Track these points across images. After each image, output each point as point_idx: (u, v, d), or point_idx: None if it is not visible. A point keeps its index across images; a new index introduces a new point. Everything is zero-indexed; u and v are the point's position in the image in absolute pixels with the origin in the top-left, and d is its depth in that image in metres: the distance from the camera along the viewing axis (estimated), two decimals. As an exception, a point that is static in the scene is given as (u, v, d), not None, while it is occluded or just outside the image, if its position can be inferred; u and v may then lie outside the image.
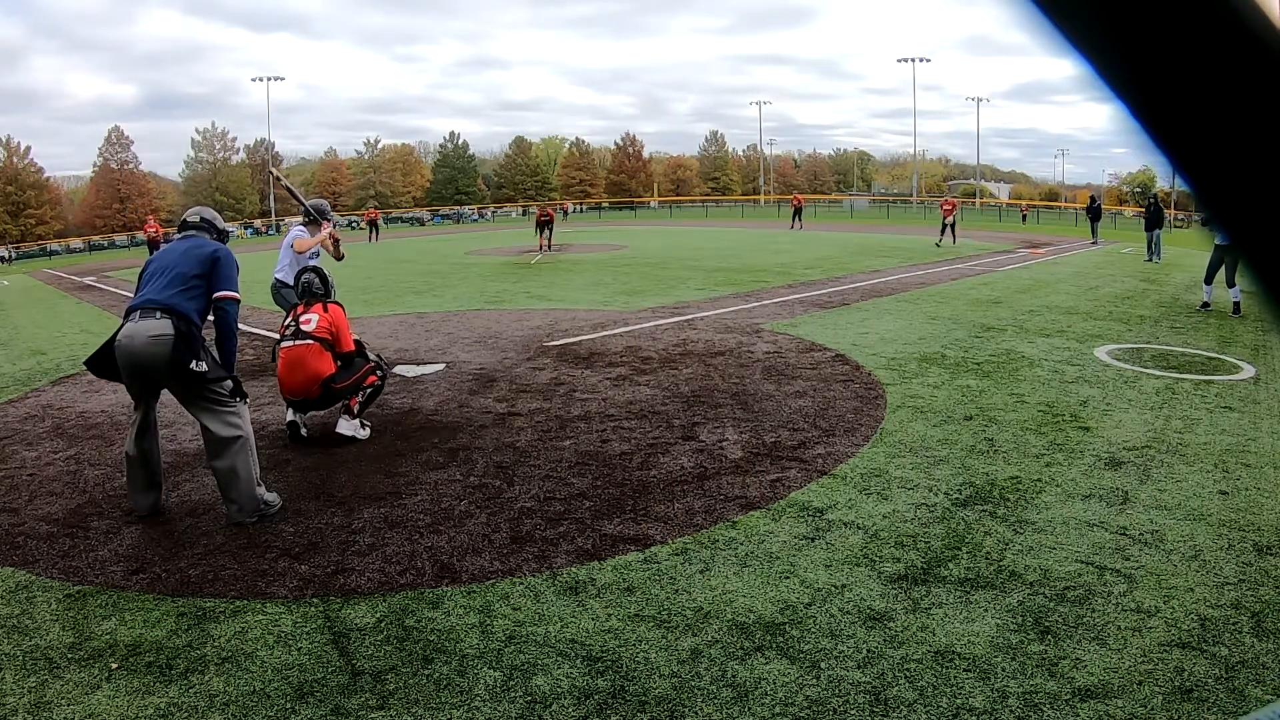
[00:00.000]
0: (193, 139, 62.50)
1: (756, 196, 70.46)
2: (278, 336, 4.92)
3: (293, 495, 3.98)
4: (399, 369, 6.85)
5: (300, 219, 6.71)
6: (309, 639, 2.69)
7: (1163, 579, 2.93)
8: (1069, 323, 8.57)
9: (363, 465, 4.42)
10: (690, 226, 37.60)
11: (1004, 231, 30.16)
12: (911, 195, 63.91)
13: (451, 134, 72.44)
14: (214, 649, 2.64)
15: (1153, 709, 2.20)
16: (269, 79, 54.83)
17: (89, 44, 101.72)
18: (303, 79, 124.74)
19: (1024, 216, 42.26)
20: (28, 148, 54.57)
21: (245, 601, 2.95)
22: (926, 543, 3.29)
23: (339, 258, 6.64)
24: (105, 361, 3.72)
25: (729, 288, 12.21)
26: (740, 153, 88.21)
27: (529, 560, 3.23)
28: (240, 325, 4.36)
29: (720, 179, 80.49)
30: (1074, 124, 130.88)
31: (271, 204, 56.57)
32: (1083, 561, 3.09)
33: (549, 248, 21.76)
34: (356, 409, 4.86)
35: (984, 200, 62.62)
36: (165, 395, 3.84)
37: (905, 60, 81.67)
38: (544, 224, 22.24)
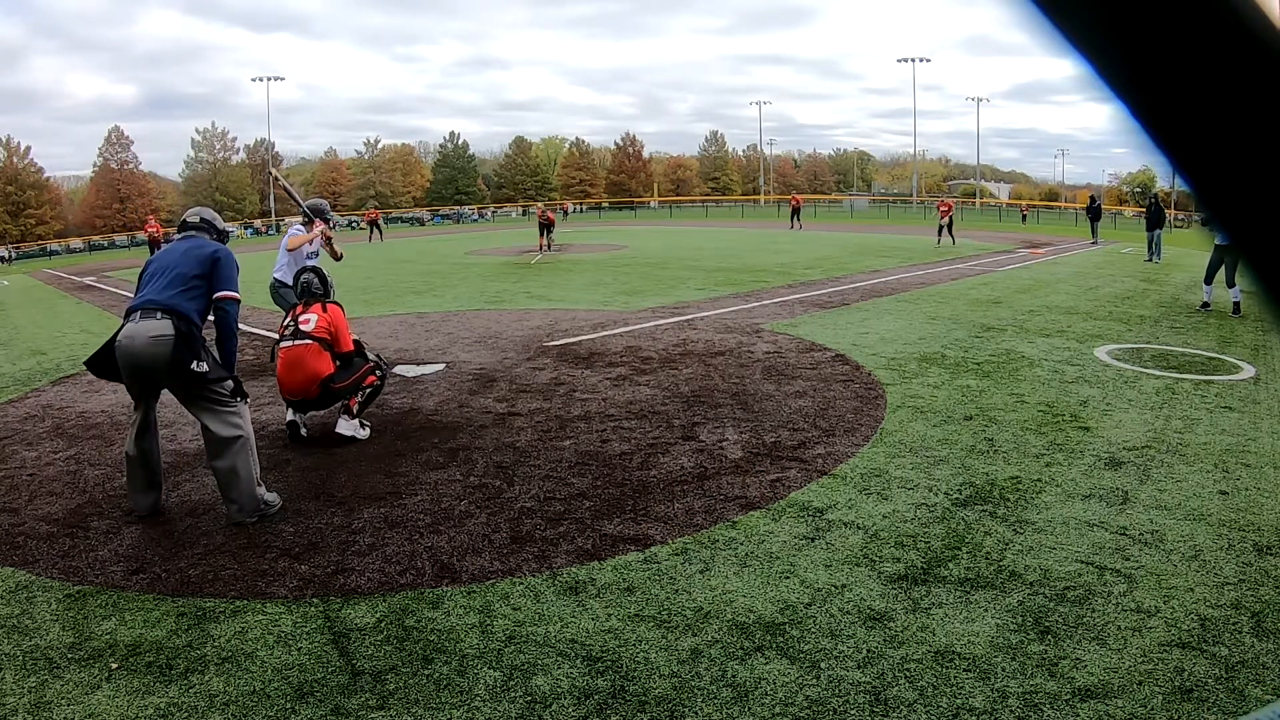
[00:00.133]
0: (193, 139, 62.55)
1: (756, 196, 70.46)
2: (277, 336, 4.92)
3: (293, 495, 3.98)
4: (399, 369, 6.85)
5: (299, 219, 6.73)
6: (309, 639, 2.69)
7: (1163, 579, 2.93)
8: (1069, 323, 8.57)
9: (363, 465, 4.42)
10: (690, 226, 37.60)
11: (1004, 231, 30.16)
12: (911, 195, 63.91)
13: (451, 134, 72.51)
14: (214, 649, 2.64)
15: (1153, 709, 2.20)
16: (269, 79, 54.83)
17: (89, 44, 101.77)
18: (303, 79, 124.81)
19: (1024, 216, 42.26)
20: (28, 148, 54.62)
21: (245, 601, 2.95)
22: (926, 543, 3.29)
23: (336, 257, 6.65)
24: (105, 362, 3.72)
25: (729, 288, 12.21)
26: (740, 153, 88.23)
27: (529, 560, 3.23)
28: (240, 325, 4.36)
29: (720, 179, 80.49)
30: (1074, 124, 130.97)
31: (271, 204, 56.58)
32: (1083, 561, 3.09)
33: (549, 248, 21.72)
34: (356, 409, 4.86)
35: (984, 200, 62.62)
36: (165, 395, 3.84)
37: (905, 60, 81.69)
38: (544, 226, 22.10)
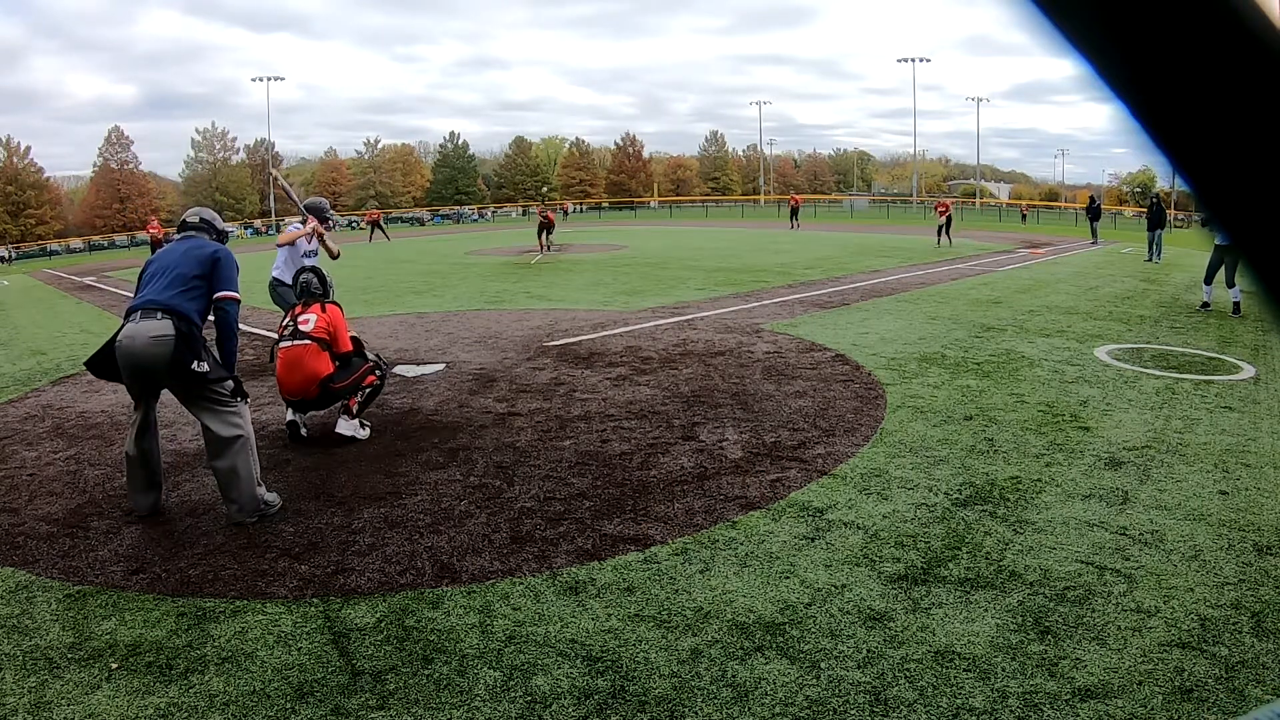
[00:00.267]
0: (193, 139, 62.57)
1: (756, 196, 70.47)
2: (276, 337, 4.92)
3: (293, 495, 3.98)
4: (399, 369, 6.85)
5: (299, 219, 6.74)
6: (309, 639, 2.69)
7: (1163, 579, 2.93)
8: (1069, 323, 8.57)
9: (363, 465, 4.42)
10: (690, 226, 37.60)
11: (1004, 231, 30.16)
12: (911, 195, 63.91)
13: (451, 134, 72.52)
14: (214, 649, 2.64)
15: (1153, 709, 2.20)
16: (269, 79, 54.81)
17: (89, 44, 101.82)
18: (303, 79, 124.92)
19: (1024, 216, 42.28)
20: (28, 148, 54.63)
21: (245, 601, 2.95)
22: (926, 543, 3.29)
23: (332, 255, 6.65)
24: (105, 362, 3.72)
25: (729, 288, 12.21)
26: (740, 153, 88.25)
27: (529, 560, 3.23)
28: (240, 325, 4.36)
29: (720, 179, 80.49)
30: (1074, 124, 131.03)
31: (271, 204, 56.58)
32: (1083, 561, 3.09)
33: (549, 249, 21.61)
34: (356, 409, 4.86)
35: (984, 200, 62.62)
36: (165, 395, 3.84)
37: (905, 60, 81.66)
38: (544, 227, 21.84)
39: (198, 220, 4.08)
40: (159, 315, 3.57)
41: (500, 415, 5.35)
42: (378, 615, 2.83)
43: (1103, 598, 2.81)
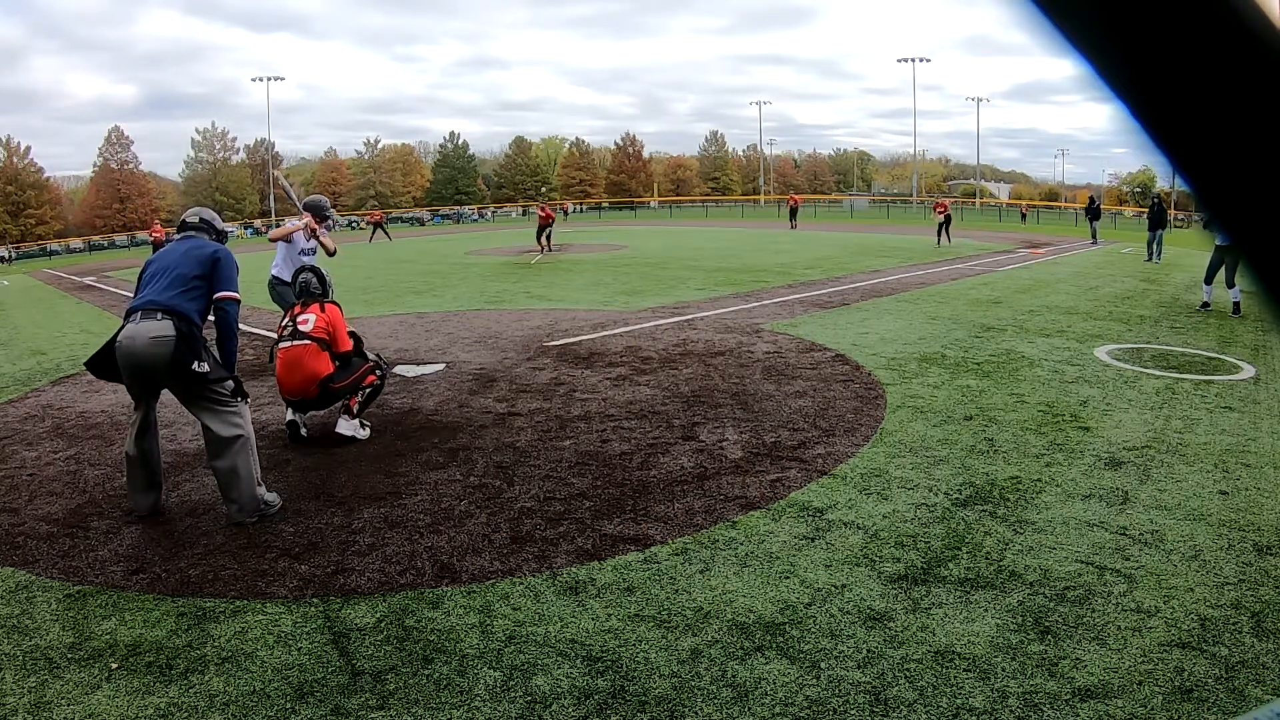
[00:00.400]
0: (193, 139, 62.60)
1: (756, 196, 70.48)
2: (276, 337, 4.92)
3: (293, 495, 3.98)
4: (399, 369, 6.86)
5: (297, 218, 6.73)
6: (309, 639, 2.69)
7: (1163, 579, 2.93)
8: (1069, 323, 8.57)
9: (363, 465, 4.42)
10: (690, 226, 37.60)
11: (1004, 231, 30.16)
12: (911, 195, 63.92)
13: (451, 134, 72.55)
14: (214, 649, 2.64)
15: (1153, 709, 2.20)
16: (269, 79, 54.89)
17: (89, 44, 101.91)
18: (303, 79, 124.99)
19: (1024, 216, 42.29)
20: (28, 148, 54.67)
21: (245, 601, 2.95)
22: (926, 543, 3.29)
23: (330, 252, 6.65)
24: (105, 362, 3.72)
25: (729, 288, 12.21)
26: (740, 153, 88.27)
27: (529, 560, 3.23)
28: (240, 325, 4.36)
29: (720, 179, 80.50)
30: (1074, 124, 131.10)
31: (271, 204, 56.59)
32: (1083, 561, 3.09)
33: (548, 249, 21.43)
34: (356, 409, 4.86)
35: (984, 200, 62.63)
36: (165, 395, 3.84)
37: (905, 60, 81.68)
38: (543, 227, 21.49)
39: (197, 220, 4.08)
40: (159, 316, 3.57)
41: (500, 415, 5.35)
42: (378, 615, 2.83)
43: (1103, 598, 2.81)
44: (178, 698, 2.38)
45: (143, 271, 3.89)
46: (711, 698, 2.32)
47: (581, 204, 68.18)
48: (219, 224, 4.18)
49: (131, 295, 4.08)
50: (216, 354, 3.77)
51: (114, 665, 2.55)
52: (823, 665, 2.46)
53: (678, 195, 73.09)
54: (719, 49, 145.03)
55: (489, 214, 63.23)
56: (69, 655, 2.62)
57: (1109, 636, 2.56)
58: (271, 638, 2.69)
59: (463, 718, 2.27)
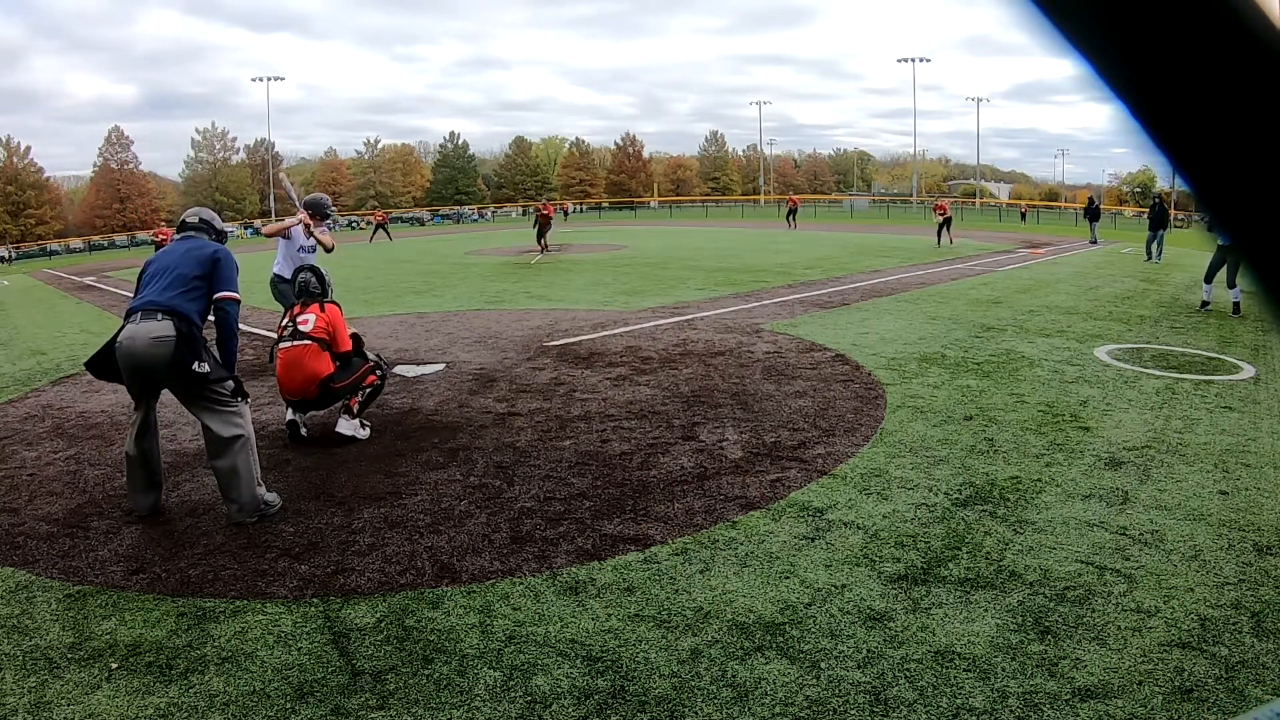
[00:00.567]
0: (193, 139, 62.64)
1: (756, 196, 70.48)
2: (276, 337, 4.92)
3: (293, 495, 3.98)
4: (399, 369, 6.85)
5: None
6: (309, 639, 2.69)
7: (1163, 579, 2.93)
8: (1069, 323, 8.57)
9: (363, 465, 4.42)
10: (690, 226, 37.60)
11: (1004, 231, 30.16)
12: (911, 195, 63.92)
13: (451, 134, 72.60)
14: (214, 649, 2.64)
15: (1153, 709, 2.20)
16: (269, 79, 54.93)
17: (89, 44, 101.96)
18: (303, 79, 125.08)
19: (1023, 216, 42.28)
20: (28, 148, 54.70)
21: (245, 601, 2.95)
22: (926, 543, 3.29)
23: (328, 249, 6.65)
24: (105, 363, 3.72)
25: (729, 288, 12.21)
26: (740, 153, 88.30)
27: (529, 560, 3.23)
28: (240, 325, 4.36)
29: (720, 179, 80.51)
30: (1074, 124, 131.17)
31: (271, 204, 56.60)
32: (1083, 561, 3.09)
33: (547, 249, 21.26)
34: (356, 409, 4.86)
35: (984, 200, 62.63)
36: (165, 395, 3.84)
37: (905, 60, 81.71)
38: (542, 226, 21.29)
39: (197, 220, 4.08)
40: (159, 316, 3.58)
41: (500, 415, 5.35)
42: (378, 615, 2.83)
43: (1103, 598, 2.81)
44: (178, 698, 2.38)
45: (142, 272, 3.89)
46: (711, 698, 2.32)
47: (581, 204, 68.18)
48: (219, 224, 4.18)
49: (131, 295, 4.08)
50: (217, 354, 3.77)
51: (114, 665, 2.55)
52: (823, 665, 2.46)
53: (678, 195, 73.09)
54: (719, 49, 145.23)
55: (489, 214, 63.23)
56: (69, 655, 2.62)
57: (1109, 636, 2.56)
58: (271, 638, 2.69)
59: (463, 718, 2.27)
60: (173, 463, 4.52)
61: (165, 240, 26.73)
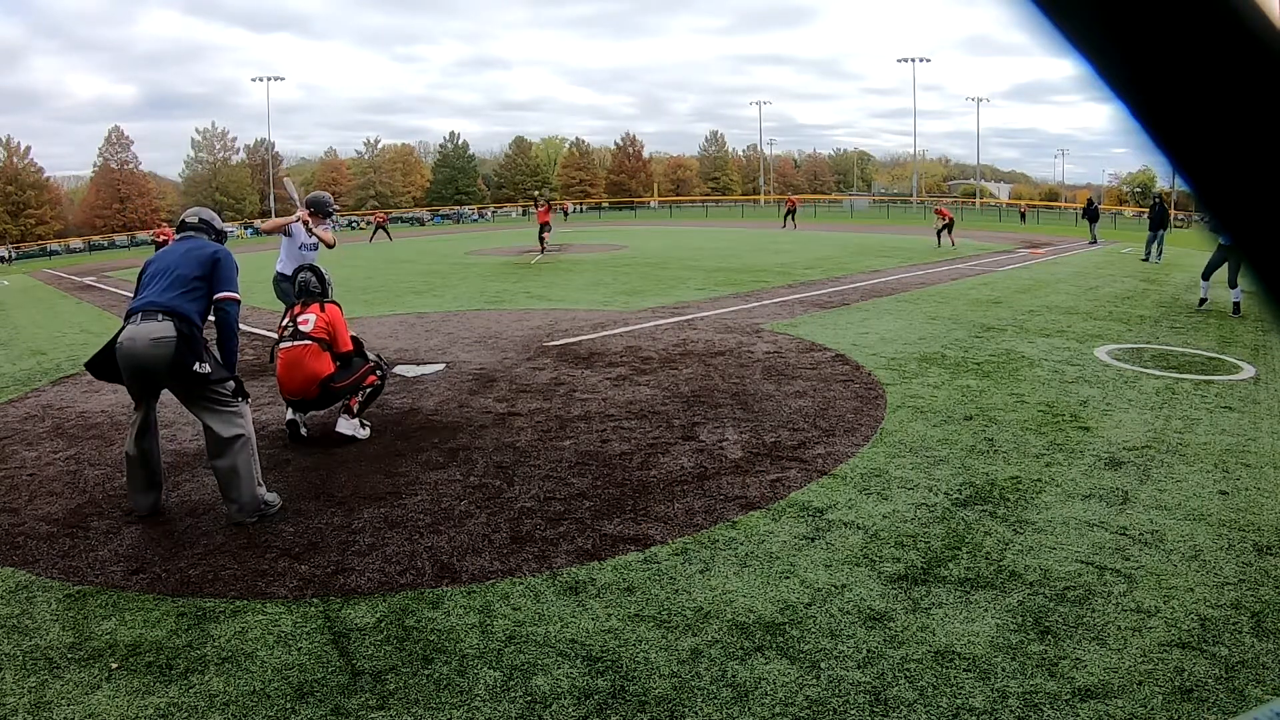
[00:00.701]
0: (193, 139, 62.63)
1: (756, 196, 70.49)
2: (276, 337, 4.92)
3: (293, 495, 3.98)
4: (399, 369, 6.85)
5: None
6: (309, 639, 2.69)
7: (1163, 579, 2.93)
8: (1069, 323, 8.57)
9: (363, 465, 4.42)
10: (690, 226, 37.59)
11: (1004, 231, 30.16)
12: (911, 195, 63.92)
13: (451, 134, 72.59)
14: (214, 649, 2.64)
15: (1153, 709, 2.20)
16: (269, 79, 54.95)
17: (89, 44, 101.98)
18: (303, 79, 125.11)
19: (1023, 216, 42.28)
20: (28, 148, 54.69)
21: (245, 601, 2.95)
22: (926, 543, 3.29)
23: (329, 245, 6.65)
24: (105, 363, 3.72)
25: (729, 288, 12.21)
26: (740, 153, 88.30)
27: (529, 560, 3.23)
28: (240, 325, 4.36)
29: (720, 179, 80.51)
30: (1074, 124, 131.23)
31: (271, 204, 56.59)
32: (1083, 561, 3.09)
33: (545, 249, 21.18)
34: (356, 409, 4.86)
35: (984, 200, 62.64)
36: (165, 395, 3.84)
37: (905, 60, 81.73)
38: (543, 226, 21.20)
39: (197, 221, 4.08)
40: (160, 317, 3.58)
41: (500, 415, 5.35)
42: (378, 615, 2.83)
43: (1103, 598, 2.81)
44: (178, 698, 2.38)
45: (142, 272, 3.89)
46: (711, 698, 2.32)
47: (581, 204, 68.17)
48: (218, 224, 4.18)
49: (131, 295, 4.08)
50: (217, 354, 3.78)
51: (114, 665, 2.55)
52: (823, 665, 2.46)
53: (678, 195, 73.09)
54: (719, 49, 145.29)
55: (489, 214, 63.23)
56: (69, 655, 2.62)
57: (1109, 636, 2.56)
58: (271, 638, 2.69)
59: (463, 718, 2.27)
60: (173, 463, 4.52)
61: (166, 240, 26.84)
